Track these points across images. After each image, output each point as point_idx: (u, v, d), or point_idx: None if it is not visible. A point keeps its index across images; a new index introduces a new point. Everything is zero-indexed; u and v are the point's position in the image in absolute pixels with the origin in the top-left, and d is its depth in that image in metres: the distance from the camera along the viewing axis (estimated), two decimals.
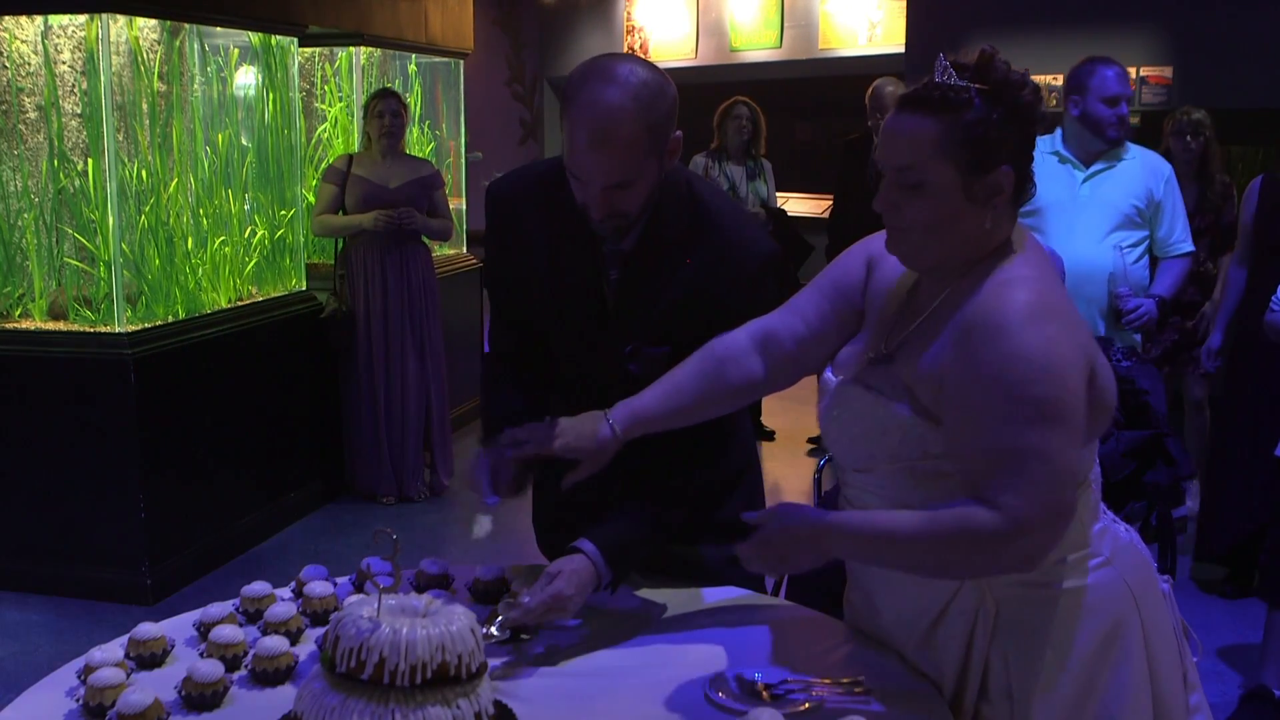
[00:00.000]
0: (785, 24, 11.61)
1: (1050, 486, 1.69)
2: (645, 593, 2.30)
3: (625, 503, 2.22)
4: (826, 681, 1.92)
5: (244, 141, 5.86)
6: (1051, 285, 1.84)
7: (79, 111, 4.99)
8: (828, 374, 2.05)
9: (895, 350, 1.91)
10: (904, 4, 9.35)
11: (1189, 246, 4.40)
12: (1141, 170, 4.23)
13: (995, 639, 1.89)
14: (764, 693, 1.89)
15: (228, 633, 2.00)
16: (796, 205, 7.67)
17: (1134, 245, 4.22)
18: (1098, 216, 4.15)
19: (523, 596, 2.09)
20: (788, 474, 6.71)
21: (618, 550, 2.16)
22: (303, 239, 6.15)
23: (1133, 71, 8.06)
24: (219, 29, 5.55)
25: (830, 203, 7.40)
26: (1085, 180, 4.16)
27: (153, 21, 5.12)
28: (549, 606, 2.06)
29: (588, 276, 2.26)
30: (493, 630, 2.08)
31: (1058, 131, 4.25)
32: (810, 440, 7.21)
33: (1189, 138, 5.52)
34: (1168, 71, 7.99)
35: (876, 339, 1.98)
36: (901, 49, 9.39)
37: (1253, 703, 3.88)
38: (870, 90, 6.65)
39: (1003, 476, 1.69)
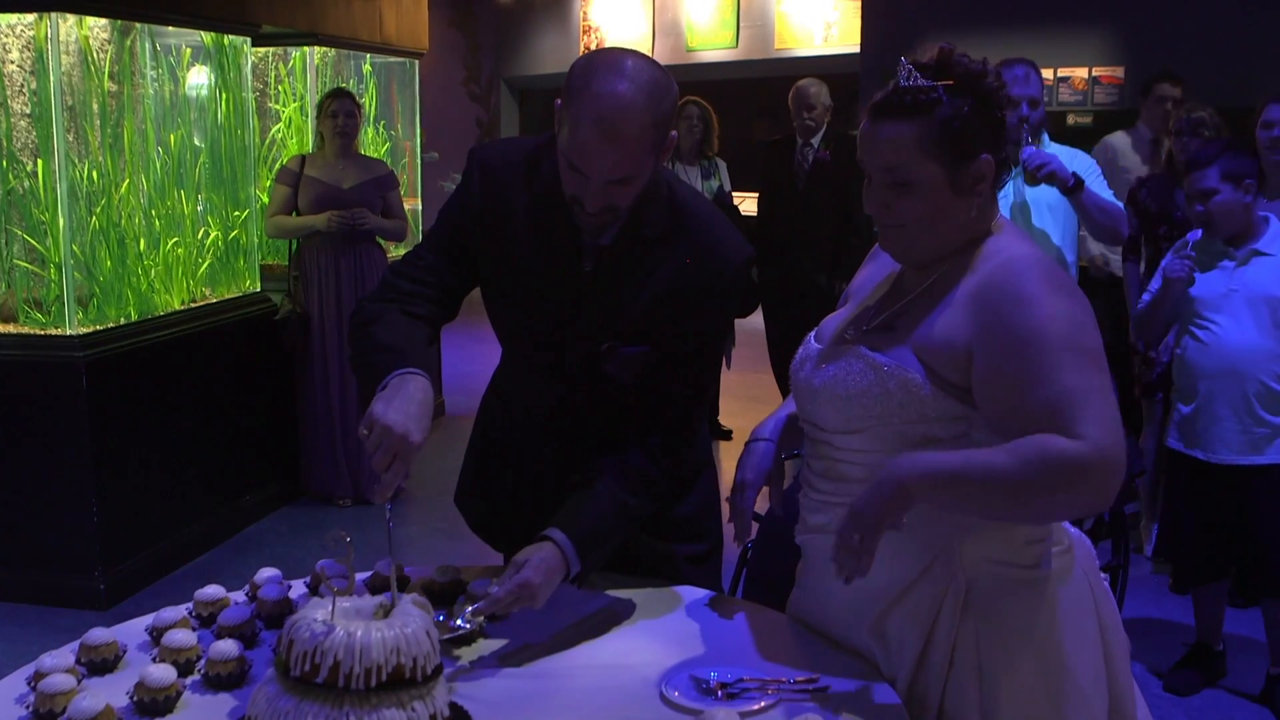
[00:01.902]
0: (741, 24, 11.66)
1: (1118, 421, 1.73)
2: (602, 592, 2.30)
3: (592, 492, 2.20)
4: (782, 680, 1.92)
5: (197, 142, 5.81)
6: (1050, 260, 1.92)
7: (28, 112, 4.93)
8: (810, 342, 2.10)
9: (891, 321, 1.96)
10: (859, 5, 9.41)
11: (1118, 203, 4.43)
12: (1067, 160, 4.26)
13: (965, 616, 1.91)
14: (719, 691, 1.89)
15: (180, 637, 1.98)
16: (754, 205, 7.69)
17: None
18: (1023, 216, 4.21)
19: (491, 586, 2.08)
20: None
21: (588, 541, 2.14)
22: (257, 240, 6.11)
23: (1084, 72, 8.16)
24: (171, 28, 5.50)
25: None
26: (1010, 178, 4.19)
27: (103, 21, 5.06)
28: (517, 595, 2.04)
29: (564, 264, 2.23)
30: (460, 622, 2.07)
31: None
32: None
33: (1186, 139, 4.90)
34: (1119, 72, 8.07)
35: (861, 317, 2.04)
36: (857, 49, 9.45)
37: (1194, 655, 4.20)
38: (793, 91, 6.62)
39: (1075, 412, 1.71)
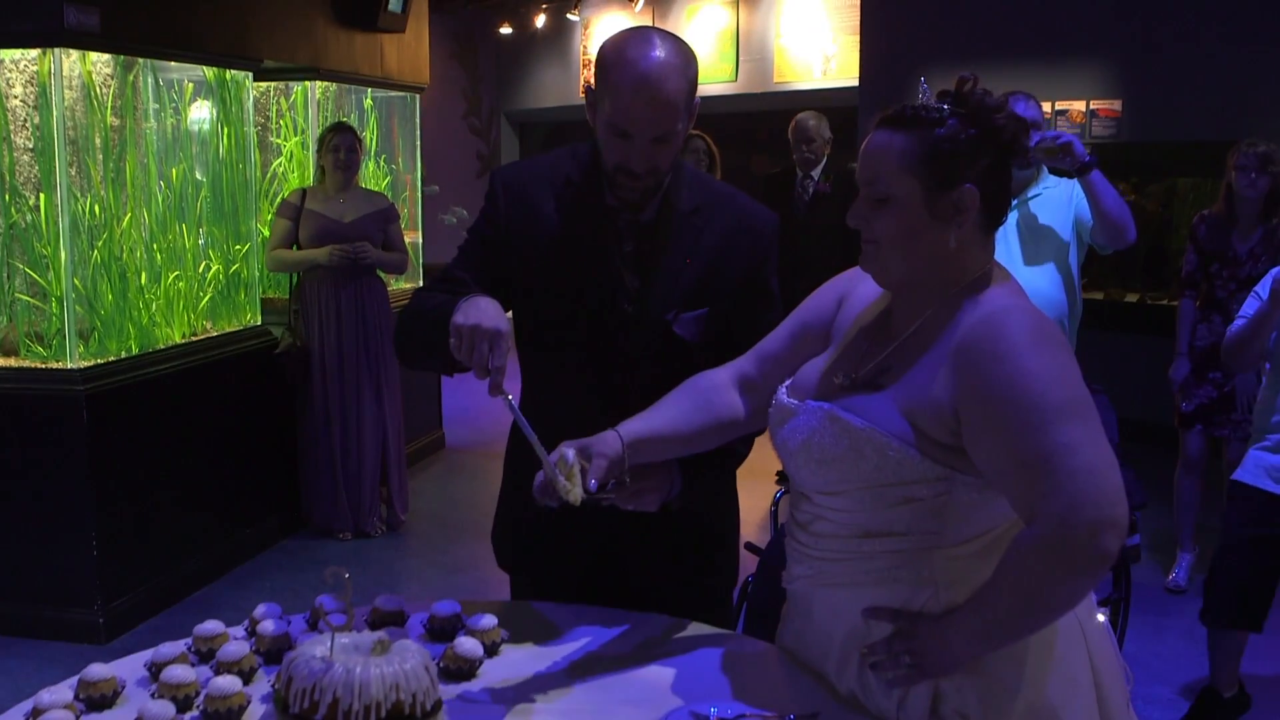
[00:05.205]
0: (741, 57, 11.70)
1: (1085, 476, 1.66)
2: (601, 627, 2.29)
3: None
4: (783, 716, 1.91)
5: (198, 176, 5.83)
6: (1041, 314, 1.87)
7: (31, 146, 4.96)
8: (782, 396, 2.06)
9: (877, 376, 1.93)
10: (858, 38, 9.46)
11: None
12: (1065, 191, 4.24)
13: None
14: None
15: (179, 673, 1.97)
16: None
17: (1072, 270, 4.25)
18: (1030, 243, 4.19)
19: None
20: (744, 505, 6.68)
21: (691, 461, 2.23)
22: (258, 274, 6.12)
23: (1082, 105, 8.19)
24: (173, 63, 5.53)
25: None
26: (1014, 206, 4.14)
27: (105, 56, 5.09)
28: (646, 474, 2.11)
29: (605, 249, 2.35)
30: (593, 483, 2.02)
31: None
32: (779, 473, 7.19)
33: (1254, 174, 4.95)
34: (1117, 104, 8.10)
35: (845, 363, 2.00)
36: (855, 82, 9.49)
37: (1203, 702, 4.14)
38: (793, 124, 6.64)
39: (1037, 487, 1.68)
